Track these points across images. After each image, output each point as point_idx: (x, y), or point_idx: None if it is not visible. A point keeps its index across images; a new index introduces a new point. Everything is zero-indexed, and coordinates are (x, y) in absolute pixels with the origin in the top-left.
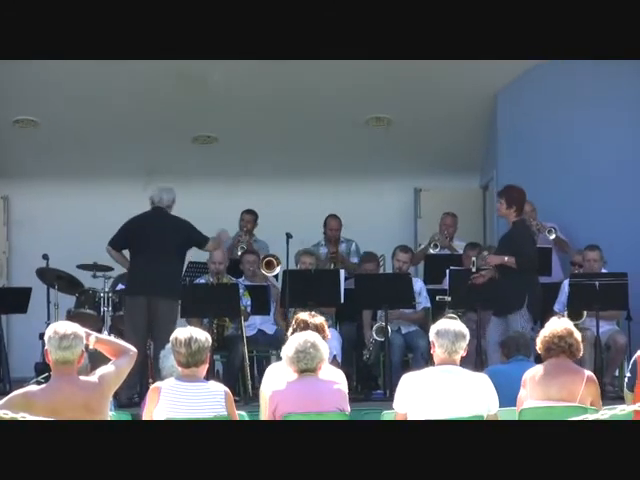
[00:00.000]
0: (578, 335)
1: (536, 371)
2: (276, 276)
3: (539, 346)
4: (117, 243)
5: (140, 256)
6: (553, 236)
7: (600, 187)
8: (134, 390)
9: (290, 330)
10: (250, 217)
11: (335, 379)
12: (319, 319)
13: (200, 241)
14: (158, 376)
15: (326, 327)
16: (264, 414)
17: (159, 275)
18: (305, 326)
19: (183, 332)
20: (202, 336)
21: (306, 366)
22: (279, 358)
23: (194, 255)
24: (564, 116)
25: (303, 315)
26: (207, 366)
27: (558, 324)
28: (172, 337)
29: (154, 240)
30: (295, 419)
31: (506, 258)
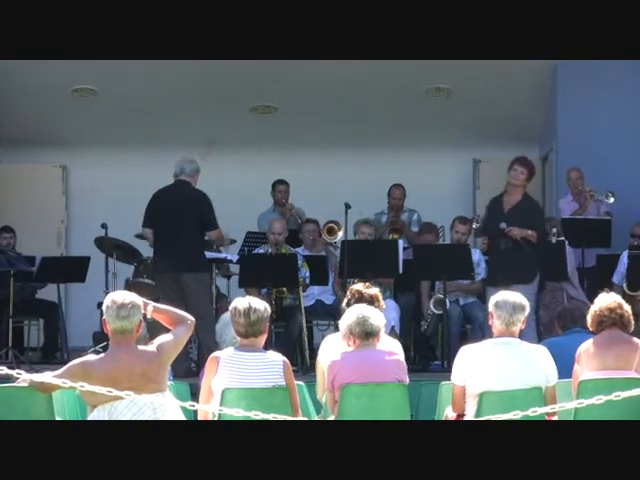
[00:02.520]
0: (628, 308)
1: (589, 344)
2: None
3: (590, 322)
4: (146, 222)
5: (161, 231)
6: (612, 199)
7: None
8: (190, 361)
9: (345, 301)
10: (285, 187)
11: (393, 349)
12: (374, 290)
13: (208, 224)
14: (216, 347)
15: (381, 297)
16: (320, 385)
17: (180, 249)
18: (360, 297)
19: (242, 302)
20: (261, 306)
21: (371, 328)
22: (337, 329)
23: (252, 225)
24: (625, 84)
25: (358, 286)
26: (266, 336)
27: (607, 298)
28: (231, 307)
29: (173, 214)
30: (353, 390)
31: (529, 232)
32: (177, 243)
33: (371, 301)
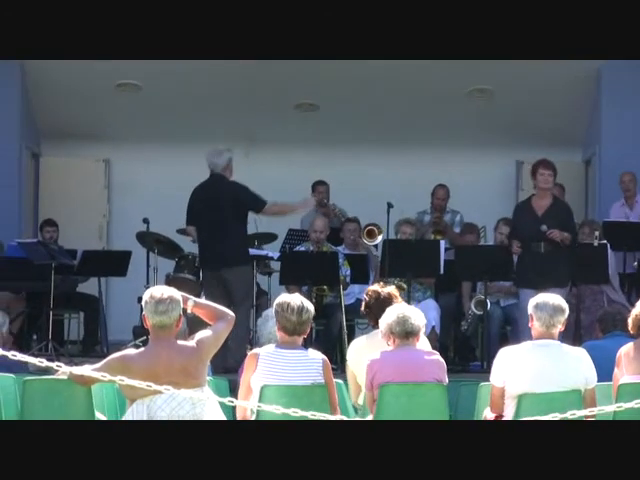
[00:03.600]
0: None
1: (629, 348)
2: (376, 245)
3: (630, 325)
4: (188, 220)
5: (203, 227)
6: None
7: None
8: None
9: (363, 303)
10: (325, 187)
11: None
12: (389, 288)
13: (253, 205)
14: (256, 343)
15: (397, 295)
16: (352, 389)
17: (222, 244)
18: (377, 297)
19: (295, 299)
20: (311, 307)
21: (412, 328)
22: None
23: (292, 223)
24: None
25: (374, 287)
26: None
27: None
28: (282, 301)
29: (212, 210)
30: (392, 389)
31: (566, 234)
32: (218, 238)
33: (389, 299)
